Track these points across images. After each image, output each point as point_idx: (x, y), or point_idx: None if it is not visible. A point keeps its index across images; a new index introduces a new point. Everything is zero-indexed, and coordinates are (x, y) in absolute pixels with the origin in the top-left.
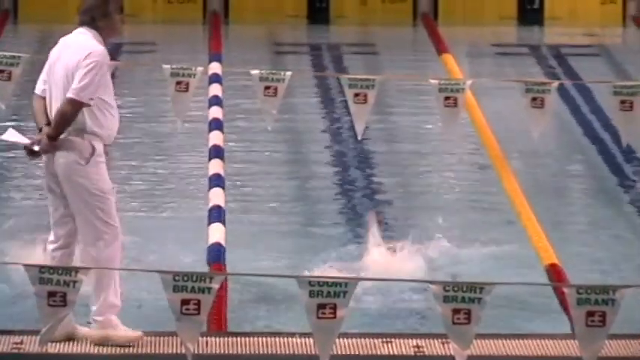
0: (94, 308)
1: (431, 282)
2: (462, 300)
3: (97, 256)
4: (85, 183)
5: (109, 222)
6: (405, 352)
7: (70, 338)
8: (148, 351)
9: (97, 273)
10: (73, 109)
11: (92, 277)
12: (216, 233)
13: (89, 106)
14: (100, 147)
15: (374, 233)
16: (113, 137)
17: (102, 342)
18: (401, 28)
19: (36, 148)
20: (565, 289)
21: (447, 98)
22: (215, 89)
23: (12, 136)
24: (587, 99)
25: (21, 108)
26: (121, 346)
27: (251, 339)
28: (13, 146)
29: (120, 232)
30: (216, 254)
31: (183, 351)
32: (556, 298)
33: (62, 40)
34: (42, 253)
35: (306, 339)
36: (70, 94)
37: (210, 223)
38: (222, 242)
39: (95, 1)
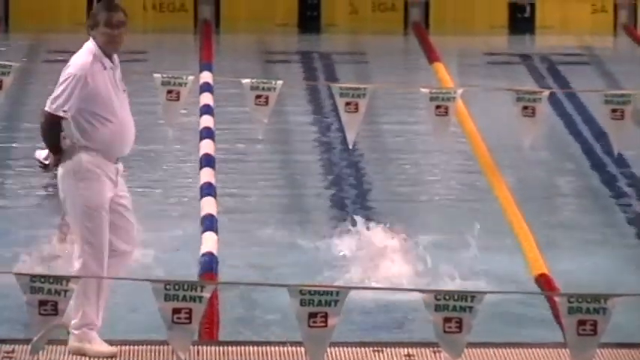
0: (73, 321)
1: (422, 290)
2: (453, 309)
3: (77, 272)
4: (74, 196)
5: (91, 241)
6: None
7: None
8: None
9: (76, 288)
10: (46, 120)
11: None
12: (209, 242)
13: (62, 117)
14: (92, 160)
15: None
16: (117, 151)
17: (77, 353)
18: (392, 37)
19: (46, 161)
20: (556, 298)
21: (437, 107)
22: (206, 98)
23: (42, 153)
24: (578, 108)
25: (11, 116)
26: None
27: (242, 348)
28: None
29: (104, 255)
30: (209, 263)
31: None
32: (548, 306)
33: None
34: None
35: (298, 348)
36: (45, 106)
37: (202, 232)
38: (215, 251)
39: (92, 10)
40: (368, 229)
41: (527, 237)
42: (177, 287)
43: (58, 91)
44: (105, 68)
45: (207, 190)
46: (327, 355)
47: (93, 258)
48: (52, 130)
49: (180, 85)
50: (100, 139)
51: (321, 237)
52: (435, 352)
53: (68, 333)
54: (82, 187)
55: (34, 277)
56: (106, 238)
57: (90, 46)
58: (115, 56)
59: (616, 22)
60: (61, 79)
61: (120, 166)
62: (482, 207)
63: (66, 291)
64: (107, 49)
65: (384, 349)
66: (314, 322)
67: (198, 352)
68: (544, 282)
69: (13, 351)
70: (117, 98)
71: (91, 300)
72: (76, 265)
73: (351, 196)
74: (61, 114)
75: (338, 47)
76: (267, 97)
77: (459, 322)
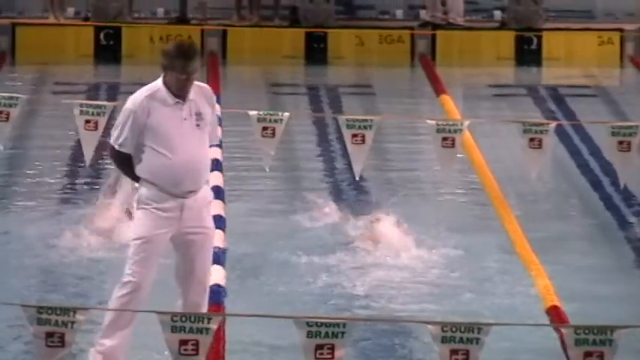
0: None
1: (429, 322)
2: (459, 340)
3: (113, 296)
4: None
5: (129, 269)
6: None
7: None
8: None
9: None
10: (109, 152)
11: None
12: (216, 274)
13: (117, 149)
14: (147, 193)
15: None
16: (174, 186)
17: None
18: (398, 69)
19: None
20: (563, 329)
21: (444, 139)
22: None
23: None
24: (584, 139)
25: (17, 147)
26: None
27: None
28: None
29: (139, 288)
30: (216, 295)
31: None
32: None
33: None
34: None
35: None
36: None
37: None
38: (222, 283)
39: (168, 48)
40: (375, 258)
41: (538, 269)
42: (184, 319)
43: (115, 124)
44: (167, 104)
45: (217, 222)
46: None
47: (124, 288)
48: (117, 160)
49: None
50: (154, 173)
51: (329, 266)
52: None
53: None
54: (137, 216)
55: (41, 309)
56: (144, 273)
57: (156, 82)
58: (192, 91)
59: (622, 54)
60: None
61: (190, 201)
62: (491, 237)
63: (73, 322)
64: (177, 91)
65: None
66: (321, 353)
67: None
68: (555, 314)
69: None
70: (180, 134)
71: (106, 327)
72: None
73: (359, 227)
74: (117, 147)
75: (344, 79)
76: (274, 129)
77: (466, 354)
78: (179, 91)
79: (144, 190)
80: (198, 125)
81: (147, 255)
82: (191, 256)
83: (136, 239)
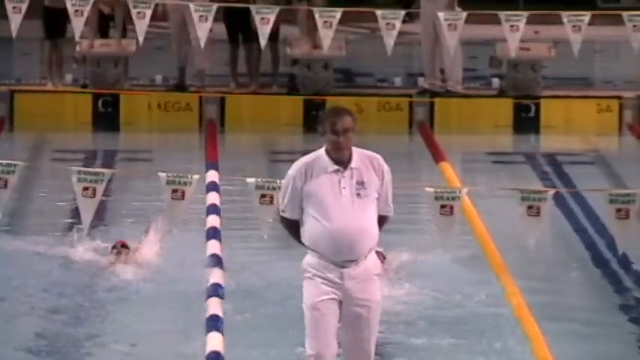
0: None
1: None
2: None
3: None
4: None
5: (307, 344)
6: None
7: None
8: None
9: None
10: (278, 215)
11: None
12: (213, 342)
13: (282, 216)
14: (310, 260)
15: None
16: (331, 254)
17: None
18: (397, 136)
19: None
20: None
21: (442, 206)
22: (212, 197)
23: None
24: (583, 207)
25: (15, 214)
26: None
27: None
28: None
29: (320, 354)
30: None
31: None
32: None
33: None
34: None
35: None
36: None
37: (207, 331)
38: (220, 350)
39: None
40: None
41: (538, 335)
42: None
43: (281, 190)
44: (326, 172)
45: (215, 291)
46: None
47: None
48: (284, 225)
49: (185, 184)
50: (314, 240)
51: None
52: None
53: None
54: (304, 285)
55: None
56: (321, 344)
57: (320, 150)
58: (356, 159)
59: (621, 121)
60: None
61: (350, 270)
62: (491, 304)
63: None
64: (333, 154)
65: None
66: None
67: None
68: None
69: None
70: (338, 202)
71: None
72: None
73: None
74: (280, 212)
75: None
76: (272, 197)
77: None
78: (335, 154)
79: (308, 257)
80: (358, 194)
81: (318, 324)
82: (356, 328)
83: (306, 309)
